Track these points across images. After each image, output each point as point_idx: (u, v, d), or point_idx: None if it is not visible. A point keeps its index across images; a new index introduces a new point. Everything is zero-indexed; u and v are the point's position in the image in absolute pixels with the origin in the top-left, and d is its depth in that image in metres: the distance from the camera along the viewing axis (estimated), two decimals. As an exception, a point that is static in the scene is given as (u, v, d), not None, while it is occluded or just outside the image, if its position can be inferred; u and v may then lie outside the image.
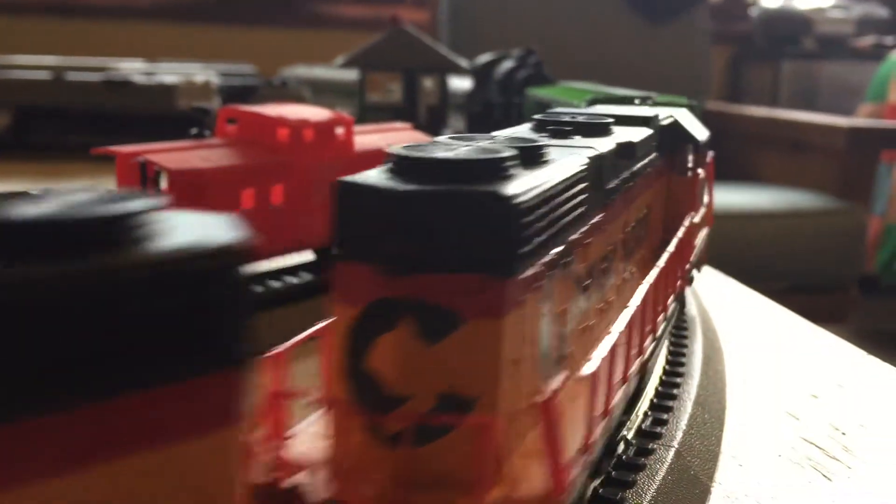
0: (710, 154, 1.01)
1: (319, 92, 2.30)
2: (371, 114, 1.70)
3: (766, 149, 3.37)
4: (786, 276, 2.74)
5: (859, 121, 3.25)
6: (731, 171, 3.27)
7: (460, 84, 2.04)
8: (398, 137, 1.08)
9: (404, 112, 1.70)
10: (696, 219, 0.89)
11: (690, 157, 0.87)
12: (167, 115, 1.75)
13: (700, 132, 0.90)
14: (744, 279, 1.34)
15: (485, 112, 1.87)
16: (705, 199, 0.99)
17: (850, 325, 2.92)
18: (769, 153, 3.37)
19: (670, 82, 3.42)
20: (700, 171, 0.89)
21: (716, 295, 1.21)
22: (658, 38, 3.50)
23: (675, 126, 0.85)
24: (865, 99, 3.57)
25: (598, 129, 0.63)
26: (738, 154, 3.41)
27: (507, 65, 1.87)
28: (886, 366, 0.96)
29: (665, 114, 0.83)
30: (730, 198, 2.83)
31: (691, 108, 1.02)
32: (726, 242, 2.61)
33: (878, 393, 0.89)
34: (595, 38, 3.45)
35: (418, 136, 1.10)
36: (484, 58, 1.96)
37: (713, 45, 3.73)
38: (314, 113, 0.99)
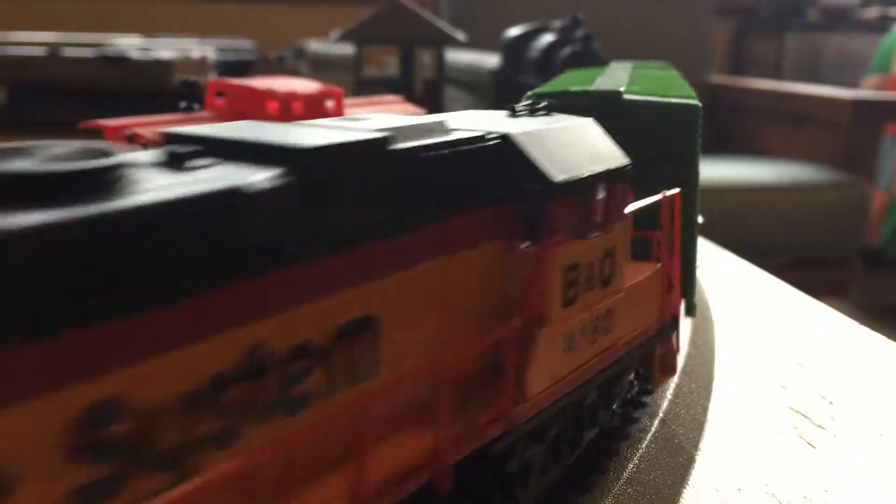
0: (667, 193, 0.64)
1: (330, 67, 2.28)
2: (367, 87, 1.70)
3: (770, 122, 3.36)
4: (789, 250, 2.74)
5: (864, 93, 3.23)
6: (734, 144, 3.26)
7: (457, 57, 2.03)
8: (389, 110, 1.08)
9: (400, 85, 1.69)
10: (567, 327, 0.52)
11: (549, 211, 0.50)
12: (163, 91, 1.75)
13: (566, 165, 0.51)
14: (746, 252, 1.34)
15: (518, 97, 1.71)
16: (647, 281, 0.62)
17: (852, 298, 2.92)
18: (773, 126, 3.35)
19: (673, 56, 3.40)
20: (574, 235, 0.52)
21: (709, 266, 1.21)
22: (661, 11, 3.47)
23: (500, 152, 0.49)
24: (870, 71, 3.54)
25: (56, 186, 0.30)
26: (742, 127, 3.40)
27: (547, 39, 1.51)
28: (876, 335, 0.96)
29: (482, 130, 0.49)
30: (733, 171, 2.82)
31: (685, 110, 0.72)
32: (729, 216, 2.60)
33: (867, 362, 0.89)
34: (598, 10, 3.42)
35: (409, 109, 1.10)
36: (515, 30, 1.63)
37: (717, 18, 3.70)
38: (303, 86, 0.98)
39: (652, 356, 0.66)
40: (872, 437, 0.72)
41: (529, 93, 0.76)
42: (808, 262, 2.77)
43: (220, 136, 0.39)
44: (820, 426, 0.74)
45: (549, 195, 0.49)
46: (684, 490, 0.62)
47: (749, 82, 3.58)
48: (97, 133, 0.91)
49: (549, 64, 1.43)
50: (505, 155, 0.49)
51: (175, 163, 0.36)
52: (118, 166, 0.32)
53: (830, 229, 2.82)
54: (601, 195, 0.54)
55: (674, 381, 0.77)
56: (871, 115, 2.91)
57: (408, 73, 1.75)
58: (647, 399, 0.72)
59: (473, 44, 2.09)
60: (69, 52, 1.97)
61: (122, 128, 0.86)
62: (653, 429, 0.68)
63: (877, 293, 3.20)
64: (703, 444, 0.69)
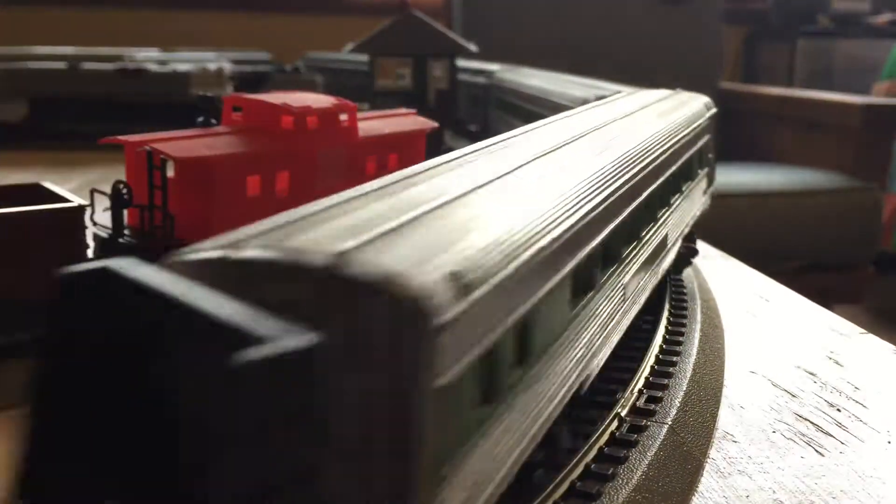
0: None
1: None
2: (381, 99, 1.72)
3: (782, 128, 3.36)
4: (801, 256, 2.74)
5: (875, 99, 3.23)
6: (745, 150, 3.27)
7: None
8: (402, 123, 1.09)
9: (414, 97, 1.71)
10: None
11: None
12: (181, 103, 1.78)
13: None
14: (758, 259, 1.34)
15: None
16: None
17: (865, 303, 2.92)
18: (784, 132, 3.36)
19: (684, 63, 3.42)
20: None
21: (718, 274, 1.22)
22: (671, 18, 3.49)
23: None
24: (881, 77, 3.54)
25: None
26: (754, 134, 3.40)
27: None
28: (885, 343, 0.97)
29: None
30: (745, 177, 2.82)
31: None
32: (740, 222, 2.61)
33: (876, 370, 0.90)
34: (608, 19, 3.44)
35: (422, 122, 1.12)
36: None
37: (728, 24, 3.71)
38: (318, 100, 1.00)
39: None
40: (881, 444, 0.73)
41: None
42: (821, 267, 2.77)
43: None
44: (828, 434, 0.75)
45: None
46: (693, 497, 0.64)
47: (760, 89, 3.58)
48: (117, 148, 0.93)
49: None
50: None
51: None
52: None
53: (843, 235, 2.82)
54: None
55: (682, 390, 0.78)
56: (883, 120, 2.91)
57: (421, 85, 1.76)
58: (656, 407, 0.74)
59: (486, 56, 2.11)
60: (88, 65, 2.00)
61: (141, 143, 0.88)
62: (661, 436, 0.70)
63: (890, 298, 3.19)
64: (711, 452, 0.71)
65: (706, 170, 1.06)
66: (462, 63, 2.08)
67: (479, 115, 2.07)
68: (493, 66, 2.10)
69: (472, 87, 2.12)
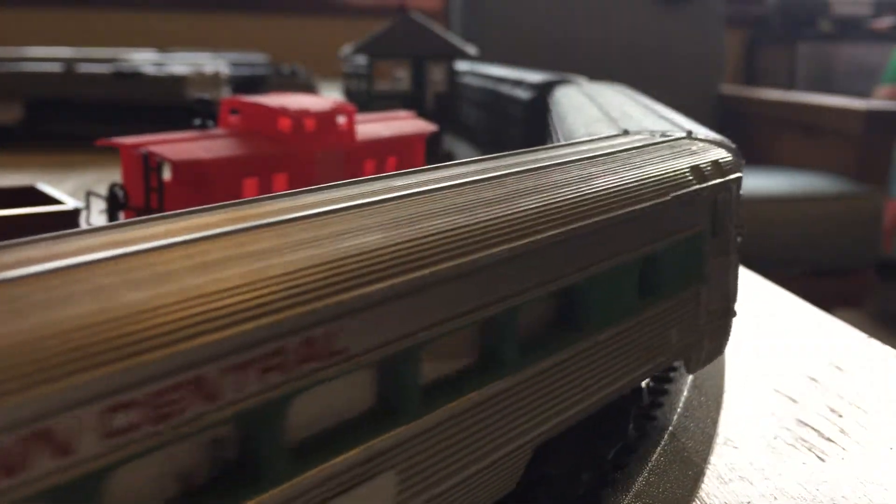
0: None
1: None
2: (379, 102, 1.71)
3: (782, 132, 3.36)
4: (802, 260, 2.74)
5: (876, 103, 3.22)
6: (746, 155, 3.26)
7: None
8: (400, 126, 1.09)
9: (412, 100, 1.71)
10: None
11: None
12: (177, 106, 1.77)
13: None
14: (760, 263, 1.33)
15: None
16: None
17: (866, 308, 2.91)
18: (785, 136, 3.35)
19: (685, 67, 3.41)
20: None
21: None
22: (672, 21, 3.48)
23: None
24: (882, 81, 3.54)
25: None
26: (754, 138, 3.40)
27: None
28: (886, 348, 0.96)
29: None
30: (745, 182, 2.81)
31: None
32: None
33: (878, 375, 0.89)
34: (609, 21, 3.44)
35: (420, 125, 1.11)
36: None
37: (730, 28, 3.71)
38: (315, 102, 1.00)
39: None
40: (882, 450, 0.72)
41: None
42: (822, 272, 2.76)
43: None
44: (830, 439, 0.74)
45: None
46: (694, 503, 0.63)
47: (761, 92, 3.58)
48: (113, 150, 0.92)
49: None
50: None
51: None
52: None
53: (844, 239, 2.81)
54: None
55: (684, 395, 0.77)
56: (884, 125, 2.91)
57: (420, 87, 1.76)
58: (657, 412, 0.73)
59: (484, 58, 2.10)
60: (84, 67, 2.00)
61: (138, 146, 0.87)
62: (662, 442, 0.69)
63: (891, 303, 3.19)
64: (712, 458, 0.70)
65: (698, 289, 0.69)
66: (496, 72, 1.93)
67: (524, 139, 1.54)
68: (537, 76, 1.64)
69: (510, 104, 1.68)
